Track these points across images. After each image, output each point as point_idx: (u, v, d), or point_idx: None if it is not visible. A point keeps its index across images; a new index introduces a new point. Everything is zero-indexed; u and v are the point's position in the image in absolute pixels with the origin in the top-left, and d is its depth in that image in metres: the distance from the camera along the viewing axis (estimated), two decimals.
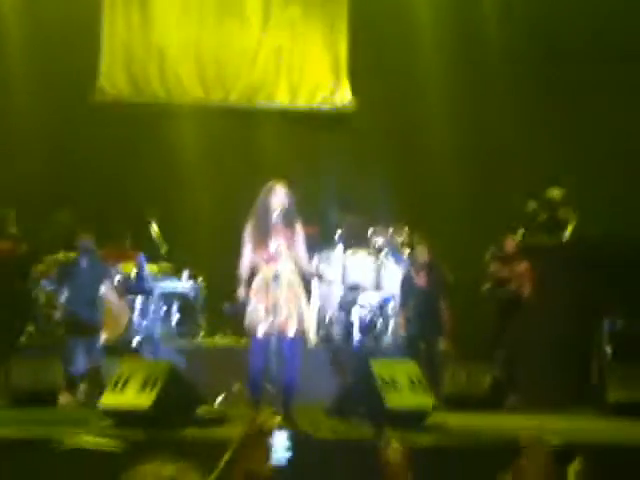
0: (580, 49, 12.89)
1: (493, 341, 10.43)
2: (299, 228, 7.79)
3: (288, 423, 7.56)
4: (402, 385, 7.85)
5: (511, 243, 10.58)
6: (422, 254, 10.54)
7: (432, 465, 6.80)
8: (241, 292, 7.80)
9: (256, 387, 7.75)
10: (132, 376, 7.54)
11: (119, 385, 7.57)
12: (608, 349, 10.12)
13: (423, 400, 7.94)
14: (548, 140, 12.62)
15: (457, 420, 8.41)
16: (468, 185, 12.72)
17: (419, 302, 10.40)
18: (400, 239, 11.46)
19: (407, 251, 11.29)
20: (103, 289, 10.31)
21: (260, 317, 7.65)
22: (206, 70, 13.44)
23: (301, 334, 7.78)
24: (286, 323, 7.64)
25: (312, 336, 7.75)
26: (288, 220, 7.75)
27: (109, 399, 7.60)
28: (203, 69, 13.45)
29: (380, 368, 7.93)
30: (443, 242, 10.95)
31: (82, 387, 9.78)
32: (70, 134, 12.78)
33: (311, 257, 10.18)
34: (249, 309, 7.72)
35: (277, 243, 7.70)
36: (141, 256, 10.47)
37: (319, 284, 11.00)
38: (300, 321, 7.74)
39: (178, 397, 7.53)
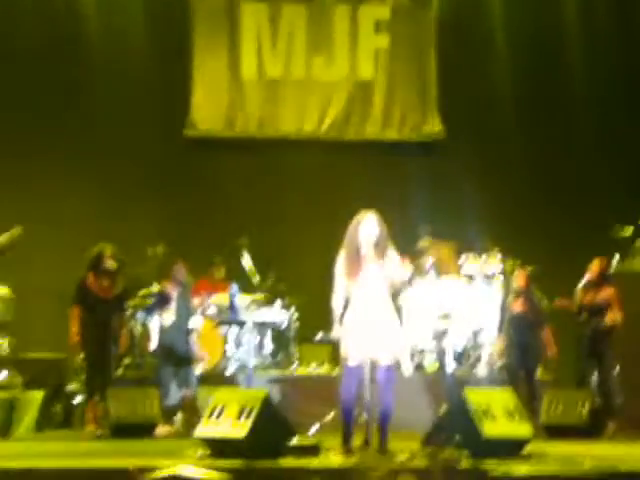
0: None
1: (586, 369, 10.26)
2: (392, 253, 7.78)
3: (383, 452, 7.55)
4: (498, 414, 7.74)
5: (595, 269, 10.37)
6: (518, 280, 10.42)
7: None
8: (336, 323, 7.79)
9: (349, 416, 7.72)
10: (227, 405, 7.57)
11: (215, 415, 7.60)
12: None
13: (520, 429, 7.82)
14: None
15: (556, 449, 8.27)
16: (561, 211, 12.61)
17: (517, 329, 10.27)
18: (493, 266, 11.36)
19: (500, 278, 11.19)
20: (196, 320, 10.44)
21: (353, 346, 7.64)
22: (295, 104, 13.57)
23: (395, 363, 7.74)
24: (380, 352, 7.62)
25: (406, 365, 7.68)
26: (380, 249, 7.74)
27: (205, 429, 7.64)
28: (292, 103, 13.57)
29: (476, 397, 7.84)
30: (536, 269, 10.82)
31: (178, 417, 9.89)
32: (163, 168, 13.01)
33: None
34: (343, 338, 7.71)
35: (369, 273, 7.69)
36: (234, 287, 10.56)
37: (411, 313, 10.96)
38: (394, 350, 7.70)
39: (273, 426, 7.53)
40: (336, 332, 7.75)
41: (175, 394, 10.06)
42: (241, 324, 11.00)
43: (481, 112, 13.16)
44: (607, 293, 10.32)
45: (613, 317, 10.20)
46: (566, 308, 10.40)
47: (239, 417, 7.43)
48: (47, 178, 12.90)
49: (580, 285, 10.40)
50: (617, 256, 10.98)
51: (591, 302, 10.33)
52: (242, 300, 10.92)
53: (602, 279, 10.40)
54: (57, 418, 10.58)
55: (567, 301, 10.40)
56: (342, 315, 7.73)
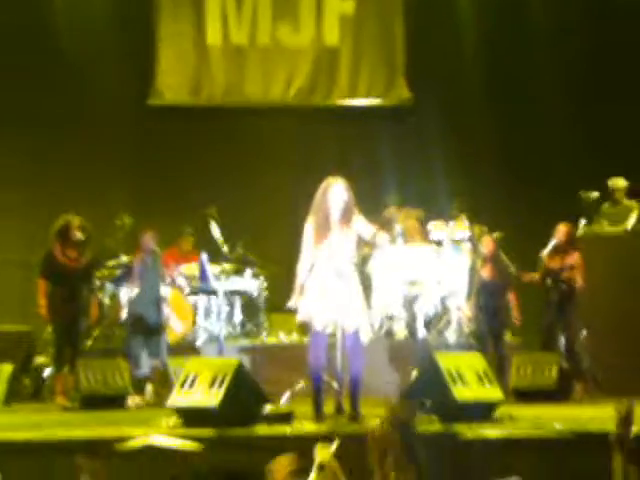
0: None
1: (551, 332, 10.35)
2: (359, 219, 7.78)
3: (355, 418, 7.59)
4: (469, 378, 7.80)
5: (561, 234, 10.45)
6: (486, 246, 10.47)
7: (502, 456, 6.82)
8: (296, 291, 7.79)
9: (318, 382, 7.75)
10: (200, 374, 7.57)
11: (187, 384, 7.60)
12: None
13: (491, 393, 7.90)
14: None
15: (525, 412, 8.35)
16: (528, 177, 12.69)
17: (485, 295, 10.33)
18: (461, 232, 11.41)
19: (468, 244, 11.23)
20: (165, 289, 10.42)
21: (319, 312, 7.66)
22: (261, 71, 13.49)
23: (360, 329, 7.76)
24: (346, 318, 7.63)
25: (368, 332, 7.71)
26: (347, 216, 7.74)
27: (178, 398, 7.64)
28: (258, 70, 13.50)
29: (447, 362, 7.90)
30: (503, 234, 10.88)
31: (149, 388, 9.88)
32: (128, 137, 12.91)
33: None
34: (309, 304, 7.72)
35: (336, 239, 7.69)
36: (204, 255, 10.52)
37: (380, 280, 10.99)
38: (358, 316, 7.72)
39: (246, 395, 7.55)
40: (294, 301, 7.76)
41: (145, 364, 10.04)
42: (212, 293, 10.98)
43: (449, 78, 13.13)
44: (573, 258, 10.40)
45: (579, 281, 10.29)
46: (532, 281, 10.48)
47: (212, 386, 7.43)
48: (11, 148, 12.76)
49: (546, 250, 10.47)
50: (583, 221, 11.06)
51: (557, 267, 10.41)
52: (212, 269, 10.90)
53: (568, 244, 10.48)
54: (26, 391, 10.51)
55: (530, 275, 10.47)
56: (304, 284, 7.72)
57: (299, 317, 7.81)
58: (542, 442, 7.11)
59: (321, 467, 4.49)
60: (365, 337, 7.72)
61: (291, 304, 7.84)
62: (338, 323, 7.61)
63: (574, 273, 10.34)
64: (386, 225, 11.05)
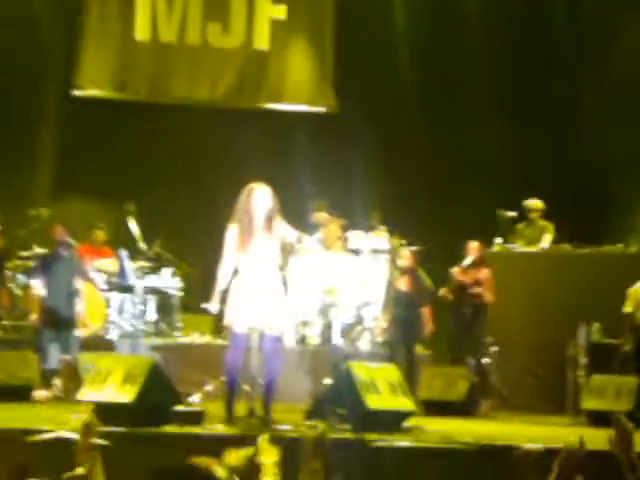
0: None
1: (460, 346, 10.50)
2: (281, 225, 7.82)
3: (266, 422, 7.59)
4: (382, 388, 7.86)
5: (475, 249, 10.61)
6: (405, 259, 10.57)
7: (409, 465, 6.88)
8: (215, 295, 7.79)
9: (233, 384, 7.75)
10: (112, 371, 7.48)
11: (98, 380, 7.51)
12: (583, 358, 10.20)
13: (403, 403, 7.97)
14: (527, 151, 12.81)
15: (433, 424, 8.45)
16: (448, 192, 12.84)
17: (400, 306, 10.43)
18: (380, 242, 11.50)
19: (387, 255, 11.32)
20: (79, 283, 10.28)
21: (240, 314, 7.66)
22: (189, 69, 13.44)
23: (281, 333, 7.79)
24: (267, 322, 7.65)
25: (289, 336, 7.75)
26: (270, 222, 7.77)
27: (89, 394, 7.54)
28: (186, 68, 13.45)
29: (360, 371, 7.94)
30: (422, 248, 10.99)
31: (57, 382, 9.74)
32: (49, 128, 12.73)
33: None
34: (229, 306, 7.72)
35: (260, 244, 7.71)
36: (123, 252, 10.42)
37: (297, 285, 11.02)
38: (280, 320, 7.75)
39: (159, 393, 7.48)
40: (214, 305, 7.75)
41: (55, 358, 9.90)
42: (129, 290, 10.88)
43: (377, 88, 13.24)
44: (483, 273, 10.58)
45: (489, 296, 10.46)
46: (446, 295, 10.63)
47: (124, 383, 7.35)
48: None
49: (463, 265, 10.62)
50: (498, 239, 11.25)
51: (468, 282, 10.56)
52: (130, 266, 10.80)
53: (478, 260, 10.66)
54: None
55: (445, 290, 10.62)
56: (226, 288, 7.73)
57: (224, 321, 7.79)
58: (450, 454, 7.19)
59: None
60: (288, 341, 7.74)
61: (211, 308, 7.82)
62: (259, 326, 7.61)
63: (484, 289, 10.50)
64: (312, 230, 11.11)
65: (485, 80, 13.06)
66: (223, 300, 7.75)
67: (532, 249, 11.25)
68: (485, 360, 10.54)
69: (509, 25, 13.16)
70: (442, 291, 10.63)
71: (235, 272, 7.77)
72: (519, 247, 11.29)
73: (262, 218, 7.71)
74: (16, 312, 10.81)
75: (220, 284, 7.75)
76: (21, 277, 10.97)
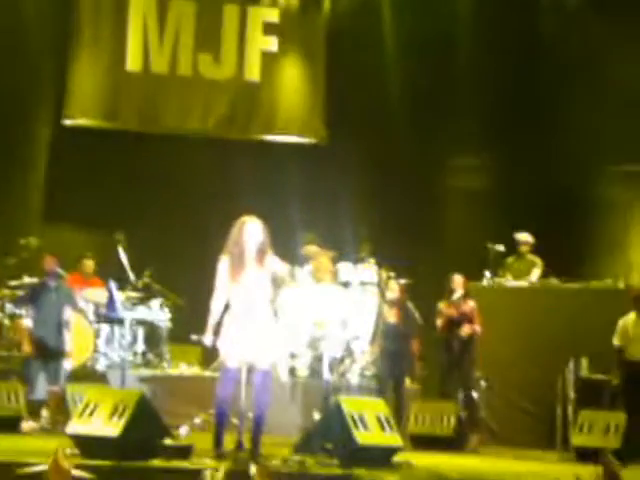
0: None
1: (449, 381, 10.49)
2: (272, 259, 7.83)
3: (255, 456, 7.56)
4: (371, 423, 7.84)
5: (460, 283, 10.61)
6: (393, 291, 10.56)
7: None
8: (210, 328, 7.77)
9: (222, 417, 7.71)
10: (100, 404, 7.44)
11: (87, 413, 7.46)
12: (572, 394, 10.20)
13: (391, 439, 7.94)
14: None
15: (422, 459, 8.42)
16: (438, 226, 12.87)
17: (389, 339, 10.41)
18: (368, 275, 11.50)
19: (375, 287, 11.32)
20: (68, 314, 10.23)
21: (232, 348, 7.64)
22: (180, 100, 13.48)
23: (270, 367, 7.78)
24: (258, 356, 7.63)
25: (283, 370, 7.72)
26: (262, 254, 7.77)
27: (76, 426, 7.50)
28: (177, 99, 13.49)
29: (349, 405, 7.92)
30: (411, 281, 11.00)
31: (45, 413, 9.67)
32: (39, 158, 12.74)
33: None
34: (223, 341, 7.70)
35: (251, 277, 7.71)
36: (111, 283, 10.38)
37: (286, 318, 10.99)
38: (271, 355, 7.74)
39: (147, 427, 7.44)
40: (208, 338, 7.74)
41: (42, 389, 9.84)
42: (118, 321, 10.84)
43: (368, 119, 13.29)
44: (470, 306, 10.56)
45: (477, 329, 10.46)
46: (437, 330, 10.62)
47: (112, 416, 7.31)
48: None
49: (453, 299, 10.60)
50: (487, 273, 11.27)
51: (455, 315, 10.53)
52: (119, 297, 10.78)
53: (465, 293, 10.65)
54: None
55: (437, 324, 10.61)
56: (219, 321, 7.72)
57: (221, 356, 7.77)
58: None
59: None
60: (283, 376, 7.71)
61: (206, 341, 7.79)
62: (249, 360, 7.60)
63: (471, 321, 10.48)
64: (303, 263, 11.11)
65: (476, 108, 13.10)
66: (216, 332, 7.74)
67: (521, 283, 11.27)
68: (474, 394, 10.52)
69: (499, 53, 13.20)
70: (438, 323, 10.58)
71: (227, 305, 7.77)
72: (508, 280, 11.30)
73: (253, 251, 7.72)
74: (3, 342, 10.74)
75: (214, 317, 7.74)
76: (9, 306, 10.90)
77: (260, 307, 7.72)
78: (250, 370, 7.62)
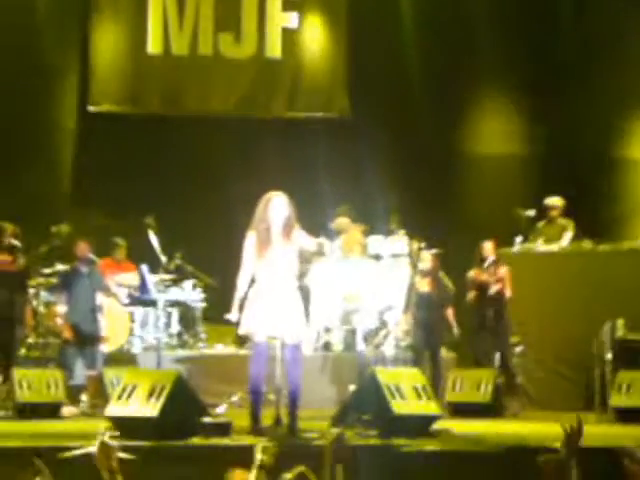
0: None
1: (485, 348, 10.46)
2: (298, 231, 7.83)
3: (293, 430, 7.60)
4: (408, 393, 7.85)
5: (491, 249, 10.56)
6: (426, 261, 10.55)
7: (437, 469, 6.86)
8: (235, 304, 7.80)
9: (257, 395, 7.75)
10: (138, 385, 7.51)
11: (125, 395, 7.54)
12: (609, 355, 10.16)
13: (429, 407, 7.95)
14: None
15: (461, 427, 8.43)
16: (464, 193, 12.82)
17: (423, 309, 10.40)
18: (400, 246, 11.47)
19: (407, 258, 11.30)
20: (102, 299, 10.31)
21: (261, 325, 7.67)
22: (202, 81, 13.48)
23: (299, 342, 7.80)
24: (285, 331, 7.66)
25: (307, 344, 7.76)
26: (288, 231, 7.78)
27: (115, 409, 7.57)
28: (198, 80, 13.49)
29: (385, 376, 7.93)
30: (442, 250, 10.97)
31: (84, 398, 9.77)
32: (66, 144, 12.80)
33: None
34: (249, 316, 7.73)
35: (278, 252, 7.72)
36: (143, 267, 10.45)
37: (319, 292, 11.02)
38: (297, 329, 7.76)
39: (185, 406, 7.50)
40: (234, 314, 7.77)
41: (80, 374, 9.94)
42: (152, 303, 10.91)
43: (390, 91, 13.24)
44: (503, 272, 10.51)
45: (508, 294, 10.41)
46: (469, 299, 10.59)
47: (150, 397, 7.37)
48: None
49: (486, 265, 10.56)
50: (518, 238, 11.22)
51: (488, 281, 10.50)
52: (152, 279, 10.84)
53: (497, 258, 10.61)
54: None
55: (472, 296, 10.58)
56: (244, 296, 7.75)
57: (240, 330, 7.82)
58: (479, 457, 7.17)
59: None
60: (306, 349, 7.75)
61: (231, 317, 7.84)
62: (278, 335, 7.63)
63: (503, 286, 10.44)
64: (334, 236, 11.11)
65: (498, 79, 13.03)
66: (242, 308, 7.77)
67: (553, 247, 11.21)
68: (511, 360, 10.50)
69: (519, 26, 13.12)
70: (470, 295, 10.56)
71: (252, 280, 7.79)
72: (540, 246, 11.24)
73: (280, 226, 7.73)
74: (40, 330, 10.83)
75: (239, 292, 7.77)
76: (44, 294, 10.99)
77: (286, 282, 7.73)
78: (281, 346, 7.66)
